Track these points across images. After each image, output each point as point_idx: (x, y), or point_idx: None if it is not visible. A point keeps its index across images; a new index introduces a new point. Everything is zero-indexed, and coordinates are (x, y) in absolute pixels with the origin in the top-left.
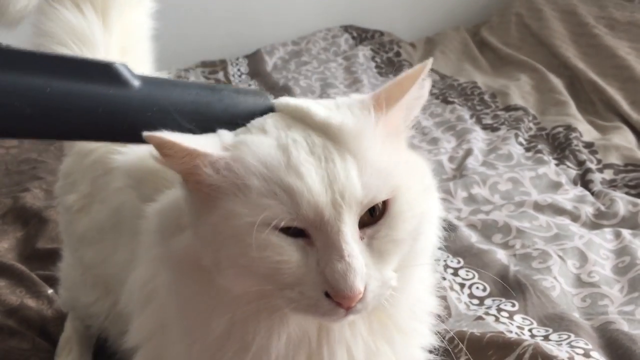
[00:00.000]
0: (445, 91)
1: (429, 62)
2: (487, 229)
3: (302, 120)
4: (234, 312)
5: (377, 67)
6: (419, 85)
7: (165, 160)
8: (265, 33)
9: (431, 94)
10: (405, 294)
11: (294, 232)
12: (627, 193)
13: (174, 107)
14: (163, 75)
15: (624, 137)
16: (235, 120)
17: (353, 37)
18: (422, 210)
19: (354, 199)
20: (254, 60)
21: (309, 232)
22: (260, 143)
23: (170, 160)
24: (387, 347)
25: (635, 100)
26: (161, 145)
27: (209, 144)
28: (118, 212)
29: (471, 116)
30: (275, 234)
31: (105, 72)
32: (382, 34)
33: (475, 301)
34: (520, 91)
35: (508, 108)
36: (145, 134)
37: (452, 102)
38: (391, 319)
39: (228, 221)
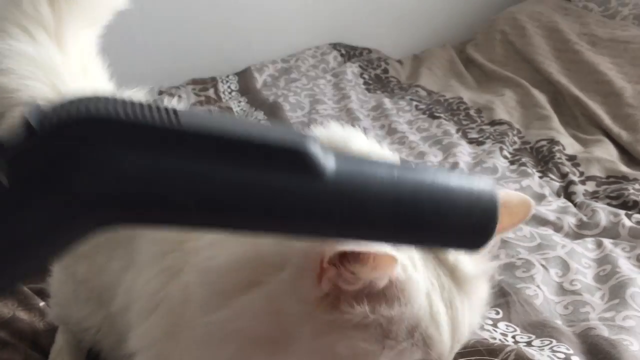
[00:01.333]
0: (432, 106)
1: (532, 205)
2: None
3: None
4: None
5: (365, 83)
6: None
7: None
8: (255, 51)
9: (418, 109)
10: None
11: None
12: (608, 204)
13: (372, 206)
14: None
15: (605, 150)
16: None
17: (342, 55)
18: None
19: (463, 342)
20: (244, 78)
21: None
22: (419, 281)
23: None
24: None
25: (616, 114)
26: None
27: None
28: None
29: (457, 130)
30: None
31: (296, 159)
32: (370, 51)
33: None
34: (505, 106)
35: (493, 122)
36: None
37: (439, 117)
38: None
39: (357, 357)
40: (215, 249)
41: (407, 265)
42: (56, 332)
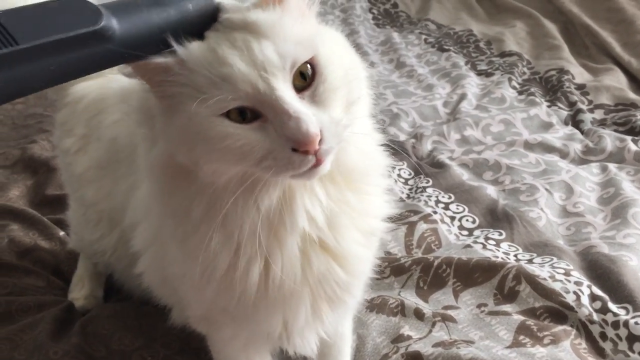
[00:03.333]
0: (441, 39)
1: None
2: (478, 167)
3: (228, 26)
4: (213, 198)
5: (374, 18)
6: None
7: (140, 77)
8: None
9: (427, 42)
10: (355, 136)
11: (250, 119)
12: (615, 130)
13: (148, 37)
14: None
15: (615, 78)
16: (189, 30)
17: None
18: (344, 62)
19: (274, 67)
20: None
21: (259, 111)
22: (195, 48)
23: (142, 76)
24: (344, 211)
25: (627, 42)
26: (136, 69)
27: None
28: (114, 144)
29: (466, 63)
30: (230, 123)
31: (93, 36)
32: None
33: (465, 232)
34: (515, 37)
35: (503, 54)
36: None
37: (448, 50)
38: (345, 180)
39: (190, 120)
40: None
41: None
42: (76, 261)
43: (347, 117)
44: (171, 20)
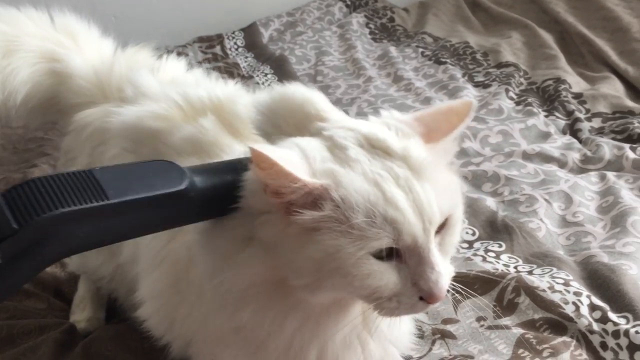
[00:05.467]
0: (438, 52)
1: (473, 103)
2: (477, 179)
3: (380, 148)
4: (308, 312)
5: (371, 33)
6: (468, 121)
7: (262, 173)
8: (260, 6)
9: (424, 55)
10: None
11: (387, 254)
12: (613, 139)
13: (224, 195)
14: (150, 48)
15: (612, 86)
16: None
17: (347, 5)
18: (462, 216)
19: (436, 222)
20: (250, 33)
21: (401, 252)
22: (352, 177)
23: (267, 176)
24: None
25: (623, 50)
26: (261, 159)
27: (300, 167)
28: None
29: (463, 75)
30: (375, 261)
31: (175, 197)
32: (375, 0)
33: (465, 245)
34: (511, 48)
35: (499, 65)
36: (254, 146)
37: (445, 63)
38: None
39: (333, 255)
40: None
41: (333, 169)
42: (77, 282)
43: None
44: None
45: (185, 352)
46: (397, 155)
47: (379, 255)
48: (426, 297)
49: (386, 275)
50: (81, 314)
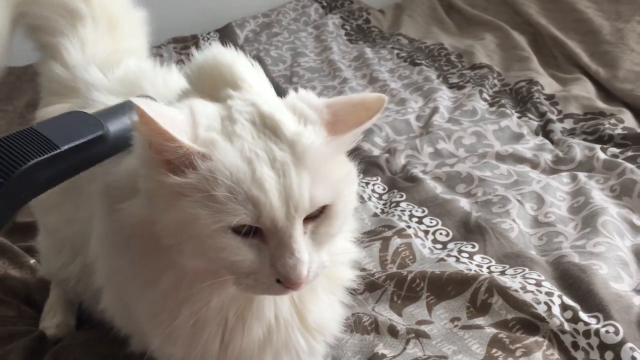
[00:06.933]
0: (413, 54)
1: (386, 99)
2: (451, 180)
3: (270, 129)
4: (183, 273)
5: (346, 34)
6: (376, 118)
7: (142, 128)
8: (235, 7)
9: (399, 57)
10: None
11: (247, 231)
12: (584, 139)
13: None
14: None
15: (583, 88)
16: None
17: (323, 7)
18: (351, 208)
19: (303, 210)
20: (225, 34)
21: (263, 232)
22: (228, 152)
23: (150, 137)
24: (310, 299)
25: (594, 52)
26: (147, 129)
27: (182, 128)
28: None
29: (438, 76)
30: (232, 236)
31: (99, 139)
32: (351, 1)
33: (439, 246)
34: (485, 50)
35: (474, 67)
36: (134, 101)
37: (420, 64)
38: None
39: (191, 223)
40: (111, 166)
41: (213, 139)
42: (48, 289)
43: (330, 258)
44: None
45: (144, 345)
46: (284, 138)
47: (239, 231)
48: (283, 281)
49: (242, 252)
50: (51, 320)
